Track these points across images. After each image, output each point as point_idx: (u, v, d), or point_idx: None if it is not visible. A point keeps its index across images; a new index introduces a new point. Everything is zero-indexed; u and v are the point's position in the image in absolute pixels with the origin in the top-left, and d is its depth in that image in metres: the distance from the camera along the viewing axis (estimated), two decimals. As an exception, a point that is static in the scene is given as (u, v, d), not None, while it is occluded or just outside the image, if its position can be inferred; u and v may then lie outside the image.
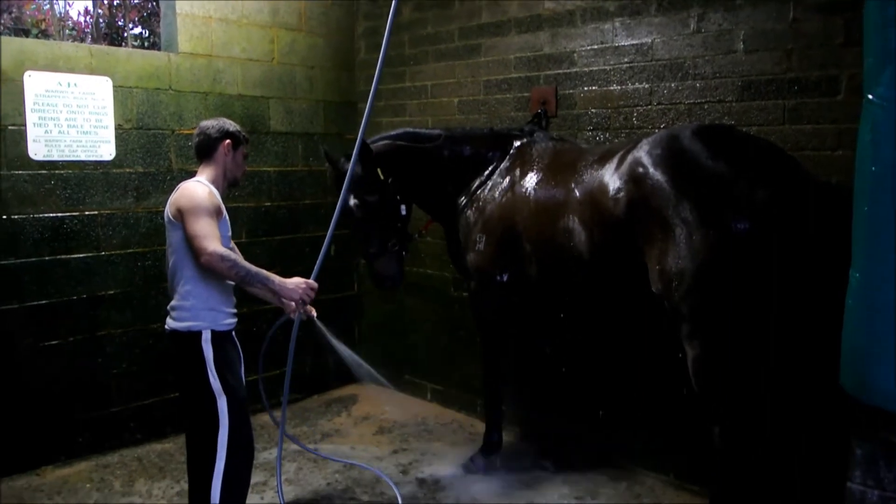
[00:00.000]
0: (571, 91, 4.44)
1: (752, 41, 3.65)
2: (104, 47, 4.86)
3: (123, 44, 5.99)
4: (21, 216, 4.30)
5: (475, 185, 4.16)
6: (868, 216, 2.22)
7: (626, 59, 4.16)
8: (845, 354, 2.35)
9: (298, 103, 5.63)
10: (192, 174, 3.29)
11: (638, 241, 3.22)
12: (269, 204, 5.46)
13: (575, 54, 4.42)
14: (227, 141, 3.22)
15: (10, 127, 4.24)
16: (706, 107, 3.84)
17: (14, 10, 5.98)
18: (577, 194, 3.55)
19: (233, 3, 5.17)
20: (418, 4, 5.32)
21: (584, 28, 4.36)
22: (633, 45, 4.13)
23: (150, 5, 6.39)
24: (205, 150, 3.23)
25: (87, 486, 4.22)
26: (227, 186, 3.31)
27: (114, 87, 4.62)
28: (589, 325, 4.37)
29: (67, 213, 4.48)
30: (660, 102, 4.03)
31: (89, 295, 4.58)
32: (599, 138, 4.29)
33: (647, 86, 4.08)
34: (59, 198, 4.44)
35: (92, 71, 4.53)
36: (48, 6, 6.21)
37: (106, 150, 4.62)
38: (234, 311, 3.20)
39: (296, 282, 3.16)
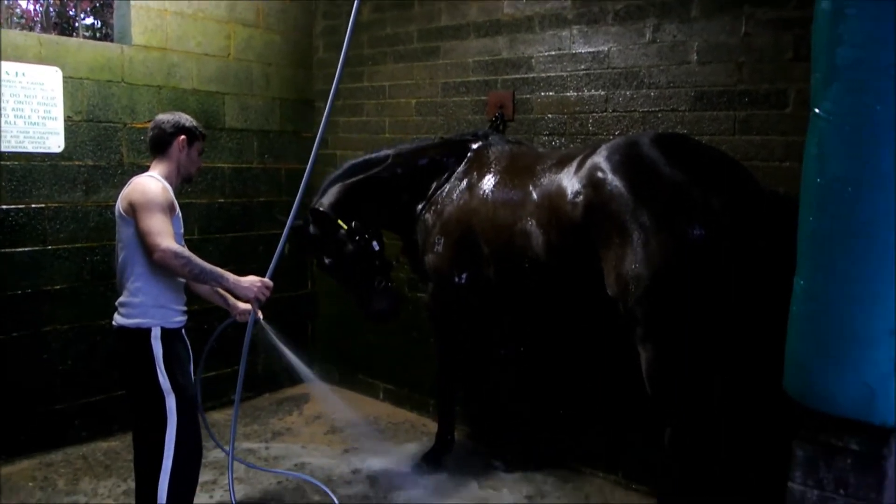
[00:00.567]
0: (529, 96, 4.49)
1: (705, 53, 3.74)
2: (54, 37, 4.75)
3: (75, 34, 5.85)
4: (-36, 207, 4.18)
5: (432, 190, 4.19)
6: (813, 226, 2.30)
7: (582, 66, 4.23)
8: (789, 359, 2.43)
9: (254, 100, 5.58)
10: (144, 168, 3.25)
11: (595, 244, 3.26)
12: (222, 200, 5.39)
13: (533, 60, 4.47)
14: (182, 136, 3.17)
15: (-46, 115, 4.11)
16: (660, 115, 3.92)
17: (-41, -5, 5.80)
18: (535, 197, 3.58)
19: (189, -3, 5.10)
20: (377, 5, 5.32)
21: (542, 34, 4.42)
22: (589, 52, 4.19)
23: (102, -5, 6.26)
24: (159, 144, 3.17)
25: (30, 484, 4.12)
26: (181, 182, 3.26)
27: (64, 77, 4.51)
28: (543, 326, 4.42)
29: (13, 206, 4.36)
30: (615, 110, 4.10)
31: (34, 290, 4.47)
32: (556, 143, 4.35)
33: (603, 93, 4.15)
34: (5, 189, 4.33)
35: (41, 60, 4.42)
36: (-5, -8, 6.04)
37: (54, 142, 4.51)
38: (185, 308, 3.17)
39: (251, 280, 3.13)
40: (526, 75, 4.51)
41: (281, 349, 3.71)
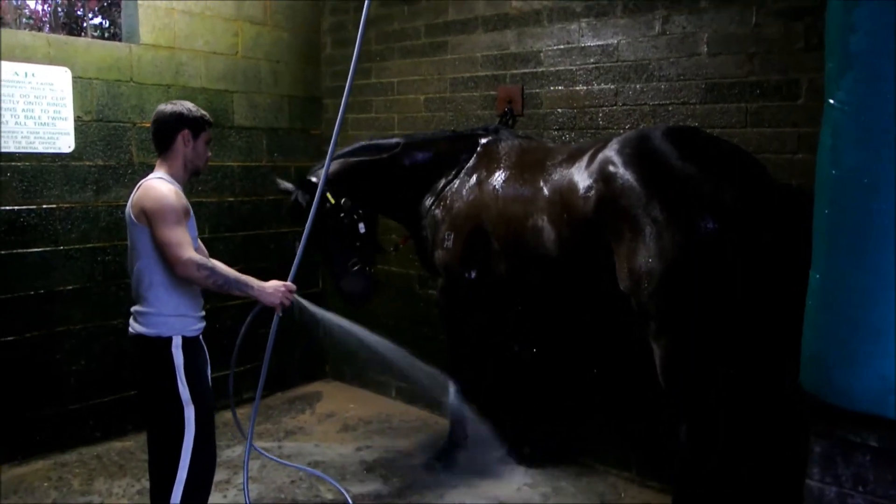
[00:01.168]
0: (538, 90, 4.47)
1: (715, 44, 3.71)
2: (63, 37, 4.76)
3: (83, 34, 5.85)
4: (-24, 209, 4.20)
5: (442, 185, 4.16)
6: (828, 219, 2.26)
7: (591, 60, 4.20)
8: (805, 353, 2.39)
9: (263, 98, 5.57)
10: (153, 168, 3.18)
11: (606, 239, 3.24)
12: (232, 199, 5.39)
13: (541, 54, 4.44)
14: (186, 130, 2.97)
15: (-36, 118, 4.13)
16: (670, 108, 3.89)
17: (-32, -3, 5.82)
18: (546, 192, 3.57)
19: (196, -5, 5.10)
20: (384, 1, 5.30)
21: (550, 28, 4.39)
22: (598, 45, 4.16)
23: (110, -5, 6.26)
24: (162, 141, 2.99)
25: (45, 484, 4.14)
26: (190, 177, 3.10)
27: (73, 77, 4.52)
28: (555, 322, 4.40)
29: (24, 206, 4.38)
30: (625, 103, 4.07)
31: (47, 290, 4.48)
32: (565, 138, 4.32)
33: (612, 86, 4.12)
34: (16, 190, 4.34)
35: (50, 61, 4.43)
36: (4, -6, 6.06)
37: (64, 143, 4.52)
38: (203, 314, 3.05)
39: (274, 285, 3.04)
40: (535, 69, 4.48)
41: (324, 317, 3.66)
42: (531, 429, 4.49)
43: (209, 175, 5.18)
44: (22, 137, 4.34)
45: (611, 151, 3.27)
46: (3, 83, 4.24)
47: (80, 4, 6.04)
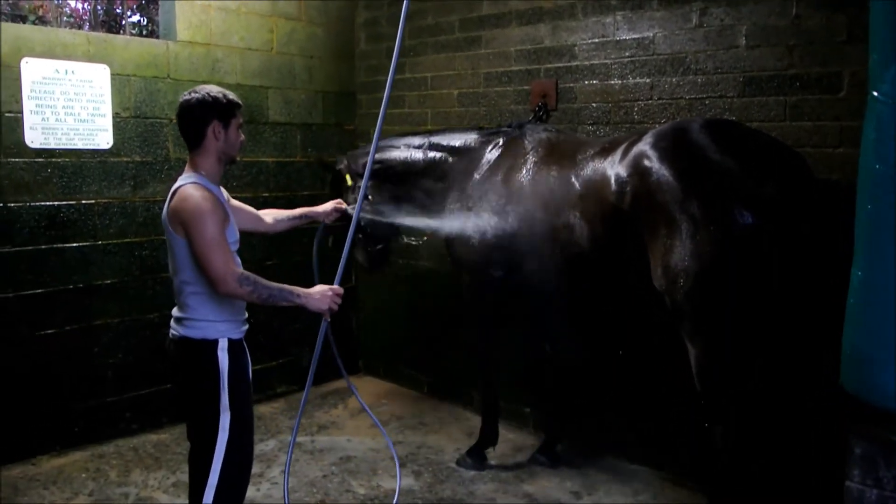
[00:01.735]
0: (572, 85, 4.42)
1: (754, 37, 3.63)
2: (102, 34, 4.83)
3: (121, 31, 5.95)
4: (17, 204, 4.28)
5: (467, 181, 4.13)
6: (871, 214, 2.21)
7: (627, 53, 4.15)
8: (846, 353, 2.34)
9: (297, 93, 5.60)
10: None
11: (641, 236, 3.17)
12: (266, 195, 5.43)
13: (576, 48, 4.40)
14: (215, 122, 2.78)
15: (6, 114, 4.21)
16: (707, 102, 3.83)
17: (11, -4, 5.94)
18: (578, 187, 3.50)
19: (232, -8, 5.14)
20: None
21: (585, 21, 4.34)
22: (634, 38, 4.11)
23: (148, -7, 6.35)
24: (192, 138, 2.81)
25: (83, 475, 4.21)
26: (226, 166, 2.93)
27: (111, 74, 4.58)
28: (585, 320, 4.36)
29: (64, 202, 4.45)
30: (661, 97, 4.01)
31: (85, 284, 4.56)
32: (600, 133, 4.27)
33: (648, 80, 4.06)
34: (56, 186, 4.42)
35: (90, 58, 4.50)
36: (45, -8, 6.17)
37: (103, 139, 4.59)
38: (247, 315, 2.97)
39: (321, 290, 2.90)
40: (569, 63, 4.44)
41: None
42: (564, 426, 4.46)
43: (244, 170, 5.23)
44: (62, 134, 4.42)
45: (645, 145, 3.18)
46: (44, 81, 4.31)
47: (118, 2, 6.13)
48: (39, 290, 4.37)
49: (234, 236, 2.86)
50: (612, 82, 4.22)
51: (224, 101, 2.81)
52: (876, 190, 2.19)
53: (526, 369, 4.65)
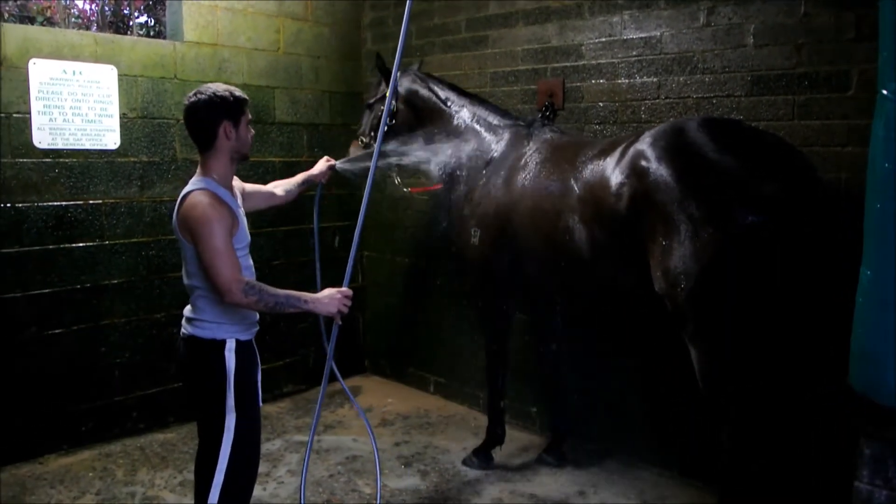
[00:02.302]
0: (579, 84, 4.41)
1: (762, 35, 3.62)
2: (109, 35, 4.84)
3: (129, 32, 5.95)
4: (25, 204, 4.29)
5: (472, 177, 4.11)
6: (880, 213, 2.20)
7: (634, 53, 4.13)
8: (855, 353, 2.33)
9: (304, 93, 5.61)
10: (196, 164, 3.11)
11: (640, 238, 3.12)
12: (273, 194, 5.42)
13: (583, 47, 4.39)
14: (225, 122, 2.76)
15: (14, 115, 4.22)
16: (715, 101, 3.81)
17: (19, -3, 5.96)
18: (577, 190, 3.45)
19: (239, -8, 5.15)
20: (426, -6, 5.29)
21: (592, 20, 4.33)
22: (641, 38, 4.10)
23: (155, -6, 6.36)
24: (202, 140, 2.79)
25: (90, 474, 4.22)
26: (237, 164, 2.91)
27: (119, 75, 4.60)
28: (590, 321, 4.35)
29: (71, 202, 4.47)
30: (668, 96, 4.00)
31: (93, 284, 4.57)
32: (607, 132, 4.26)
33: (655, 79, 4.05)
34: (64, 186, 4.43)
35: (97, 59, 4.52)
36: (53, -7, 6.19)
37: (110, 139, 4.60)
38: (257, 317, 2.96)
39: (329, 294, 2.89)
40: (576, 63, 4.43)
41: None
42: (570, 426, 4.45)
43: (250, 170, 5.22)
44: (70, 134, 4.43)
45: (643, 144, 3.13)
46: (51, 81, 4.33)
47: (126, 3, 6.14)
48: (47, 290, 4.39)
49: (243, 241, 2.86)
50: (620, 81, 4.21)
51: (232, 99, 2.79)
52: (885, 188, 2.18)
53: (533, 369, 4.64)
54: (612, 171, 3.26)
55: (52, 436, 4.44)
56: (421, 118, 4.40)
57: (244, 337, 2.87)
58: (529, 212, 3.73)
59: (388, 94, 3.36)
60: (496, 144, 4.10)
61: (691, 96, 3.90)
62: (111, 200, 4.62)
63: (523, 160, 3.89)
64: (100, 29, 5.94)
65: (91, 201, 4.54)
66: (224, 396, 2.77)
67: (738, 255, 2.86)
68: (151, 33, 6.15)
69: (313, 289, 3.08)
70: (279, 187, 3.55)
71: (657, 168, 3.02)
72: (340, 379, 3.44)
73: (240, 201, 2.98)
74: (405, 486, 4.09)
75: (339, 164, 3.86)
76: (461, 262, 4.24)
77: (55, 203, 4.40)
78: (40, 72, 4.28)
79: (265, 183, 5.31)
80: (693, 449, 3.94)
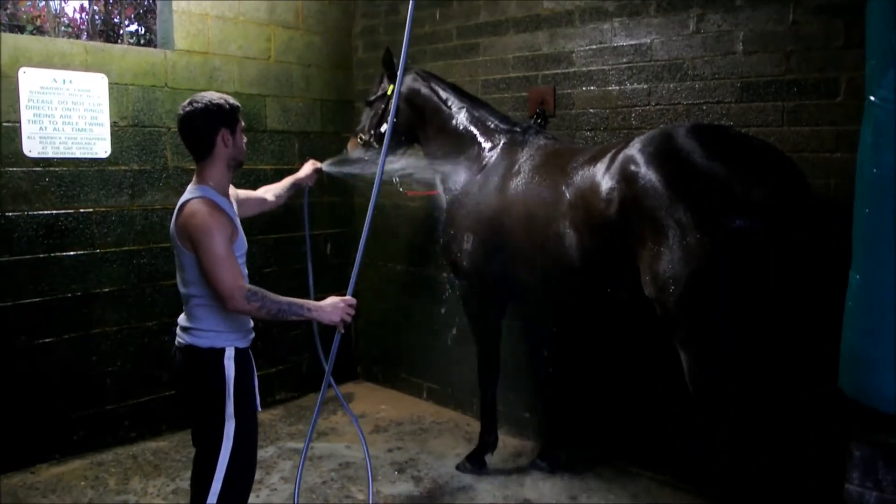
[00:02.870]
0: (570, 91, 4.44)
1: (751, 43, 3.65)
2: (100, 44, 4.84)
3: (119, 41, 5.95)
4: (15, 213, 4.28)
5: (464, 181, 4.11)
6: (869, 218, 2.22)
7: (624, 60, 4.16)
8: (844, 356, 2.35)
9: (295, 102, 5.61)
10: (189, 172, 3.14)
11: (630, 243, 3.14)
12: (265, 202, 5.42)
13: (573, 54, 4.41)
14: (222, 130, 2.77)
15: (4, 124, 4.21)
16: (705, 108, 3.84)
17: (9, 6, 5.95)
18: (568, 196, 3.47)
19: (230, 1, 5.14)
20: (416, 3, 5.29)
21: (582, 28, 4.36)
22: (631, 45, 4.13)
23: (146, 2, 6.36)
24: (199, 149, 2.79)
25: (82, 483, 4.20)
26: (234, 171, 2.92)
27: (109, 84, 4.59)
28: (583, 326, 4.36)
29: (62, 211, 4.45)
30: (658, 103, 4.03)
31: (84, 293, 4.55)
32: (598, 139, 4.29)
33: (645, 86, 4.08)
34: (54, 195, 4.42)
35: (87, 68, 4.51)
36: (43, 3, 6.18)
37: (101, 148, 4.59)
38: (253, 324, 2.97)
39: (332, 302, 2.87)
40: (567, 70, 4.45)
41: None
42: (564, 431, 4.45)
43: (242, 178, 5.21)
44: (60, 143, 4.42)
45: (633, 150, 3.16)
46: (41, 90, 4.32)
47: (116, 12, 6.14)
48: (38, 299, 4.37)
49: (242, 249, 2.86)
50: (610, 88, 4.24)
51: (227, 106, 2.81)
52: (873, 194, 2.20)
53: (525, 374, 4.65)
54: (602, 176, 3.28)
55: (44, 445, 4.42)
56: (420, 117, 4.40)
57: (242, 344, 2.87)
58: (521, 218, 3.74)
59: (393, 100, 3.32)
60: (491, 150, 4.11)
61: (681, 103, 3.93)
62: (102, 209, 4.61)
63: (517, 166, 3.90)
64: (90, 38, 5.94)
65: (82, 210, 4.53)
66: (224, 404, 2.77)
67: (726, 259, 2.88)
68: (142, 42, 6.16)
69: (306, 296, 3.07)
70: (269, 192, 3.59)
71: (646, 173, 3.05)
72: (335, 387, 3.45)
73: (235, 209, 2.98)
74: (399, 493, 4.09)
75: (325, 165, 3.95)
76: (454, 268, 4.25)
77: (46, 212, 4.38)
78: (30, 80, 4.27)
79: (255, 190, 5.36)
80: (688, 453, 3.95)
